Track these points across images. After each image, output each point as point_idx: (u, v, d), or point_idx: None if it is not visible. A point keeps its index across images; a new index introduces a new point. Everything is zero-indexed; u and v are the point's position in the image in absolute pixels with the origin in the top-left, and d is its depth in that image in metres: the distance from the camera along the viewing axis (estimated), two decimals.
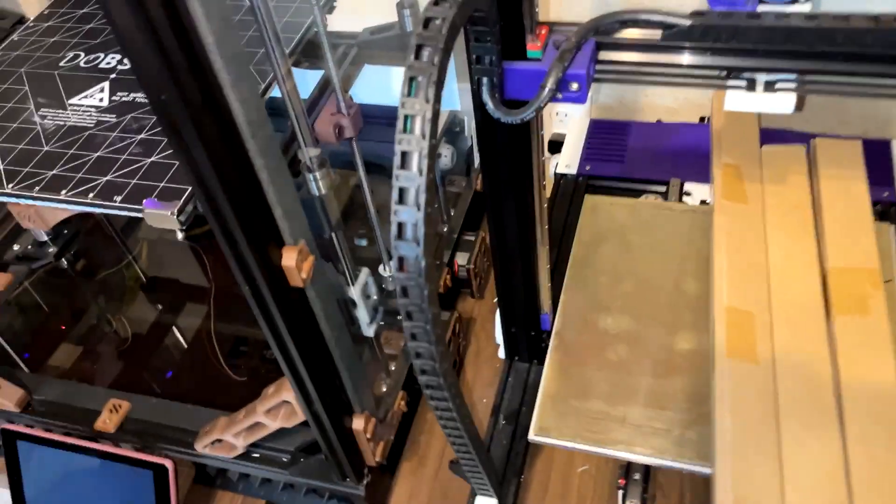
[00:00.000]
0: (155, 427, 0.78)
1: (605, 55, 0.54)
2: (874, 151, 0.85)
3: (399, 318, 0.86)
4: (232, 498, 0.83)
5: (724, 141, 0.85)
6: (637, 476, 0.72)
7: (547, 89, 0.51)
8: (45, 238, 0.98)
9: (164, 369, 0.89)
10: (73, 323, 0.94)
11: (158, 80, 0.39)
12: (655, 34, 0.52)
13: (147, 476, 0.74)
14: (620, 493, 0.73)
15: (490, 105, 0.53)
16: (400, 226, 0.39)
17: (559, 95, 0.52)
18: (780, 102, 0.51)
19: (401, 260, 0.40)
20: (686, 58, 0.51)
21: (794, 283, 0.70)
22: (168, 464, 0.73)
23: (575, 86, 0.52)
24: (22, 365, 0.90)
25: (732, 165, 0.82)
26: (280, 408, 0.66)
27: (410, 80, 0.38)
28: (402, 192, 0.39)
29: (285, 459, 0.74)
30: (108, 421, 0.78)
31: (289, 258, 0.51)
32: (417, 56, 0.39)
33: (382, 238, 0.79)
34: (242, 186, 0.46)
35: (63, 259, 0.99)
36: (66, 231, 0.98)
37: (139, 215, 0.61)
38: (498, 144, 0.60)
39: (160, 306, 0.95)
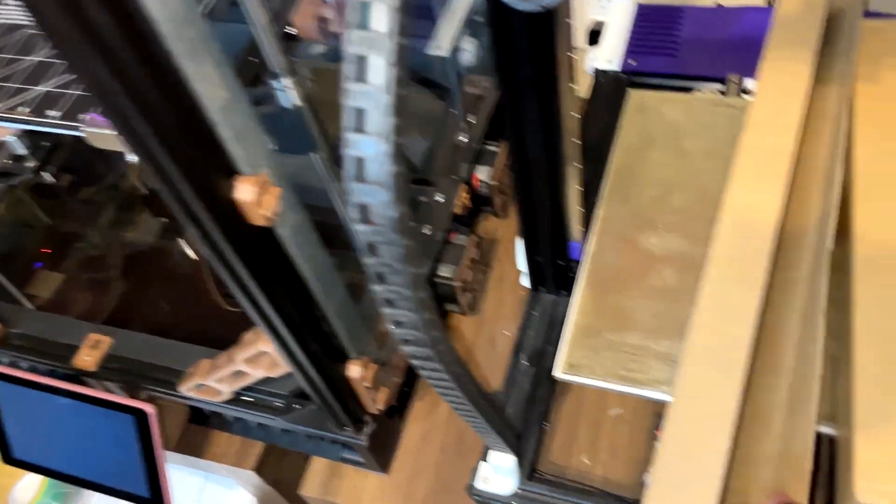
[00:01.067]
0: (139, 366, 0.70)
1: None
2: None
3: None
4: (229, 439, 0.76)
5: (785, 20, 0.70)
6: None
7: None
8: (24, 150, 0.88)
9: (154, 298, 0.81)
10: (57, 246, 0.86)
11: None
12: None
13: (128, 421, 0.67)
14: (657, 444, 0.64)
15: None
16: (358, 162, 0.28)
17: None
18: None
19: (362, 208, 0.29)
20: None
21: (884, 191, 0.57)
22: (149, 408, 0.66)
23: None
24: (12, 289, 0.83)
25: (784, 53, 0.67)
26: (262, 356, 0.57)
27: None
28: (358, 114, 0.28)
29: (279, 405, 0.66)
30: (87, 358, 0.70)
31: (244, 191, 0.41)
32: None
33: None
34: (165, 101, 0.35)
35: (44, 173, 0.90)
36: (45, 143, 0.89)
37: (79, 133, 0.50)
38: (514, 37, 0.47)
39: (150, 228, 0.87)
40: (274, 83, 0.46)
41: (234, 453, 0.75)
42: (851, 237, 0.56)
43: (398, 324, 0.35)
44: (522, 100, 0.52)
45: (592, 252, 0.67)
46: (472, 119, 0.80)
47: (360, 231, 0.30)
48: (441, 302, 0.77)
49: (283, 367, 0.57)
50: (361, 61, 0.27)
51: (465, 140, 0.79)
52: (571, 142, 0.56)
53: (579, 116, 0.56)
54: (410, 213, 0.30)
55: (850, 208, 0.57)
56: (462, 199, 0.75)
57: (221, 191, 0.40)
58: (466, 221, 0.80)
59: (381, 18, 0.26)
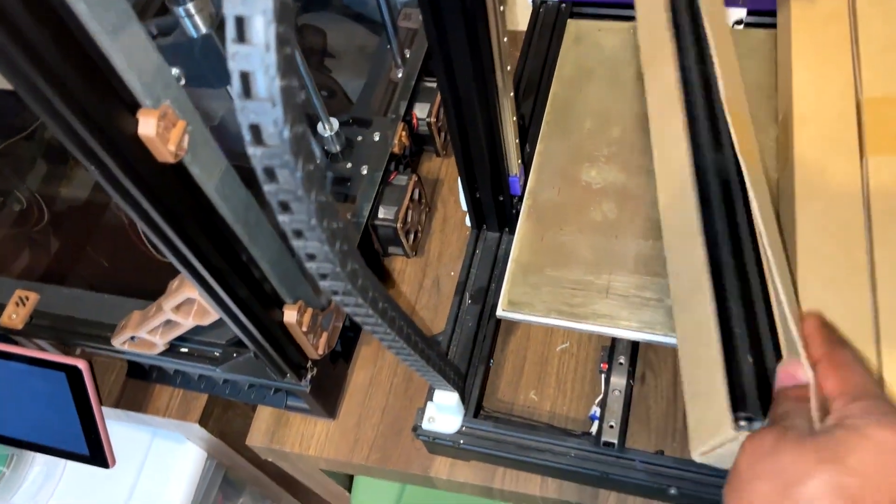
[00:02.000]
0: (70, 321, 0.68)
1: None
2: None
3: (348, 184, 0.73)
4: (171, 392, 0.74)
5: None
6: (622, 360, 0.62)
7: None
8: None
9: (87, 252, 0.77)
10: None
11: None
12: None
13: (61, 378, 0.64)
14: (603, 377, 0.64)
15: None
16: (244, 77, 0.26)
17: None
18: None
19: (254, 129, 0.27)
20: None
21: (821, 116, 0.56)
22: (81, 364, 0.63)
23: None
24: None
25: None
26: (191, 304, 0.55)
27: None
28: (238, 23, 0.25)
29: (216, 354, 0.64)
30: (14, 315, 0.67)
31: (145, 125, 0.38)
32: None
33: (314, 92, 0.65)
34: (43, 24, 0.32)
35: None
36: None
37: None
38: None
39: (79, 180, 0.83)
40: (178, 9, 0.43)
41: (177, 407, 0.74)
42: (792, 164, 0.55)
43: (310, 257, 0.33)
44: (448, 28, 0.49)
45: (532, 189, 0.66)
46: (408, 54, 0.77)
47: (254, 155, 0.28)
48: (384, 244, 0.75)
49: (213, 314, 0.55)
50: None
51: (402, 76, 0.76)
52: (505, 71, 0.54)
53: (519, 44, 0.54)
54: (308, 132, 0.28)
55: (790, 135, 0.56)
56: (400, 137, 0.73)
57: (120, 125, 0.37)
58: (407, 161, 0.78)
59: None
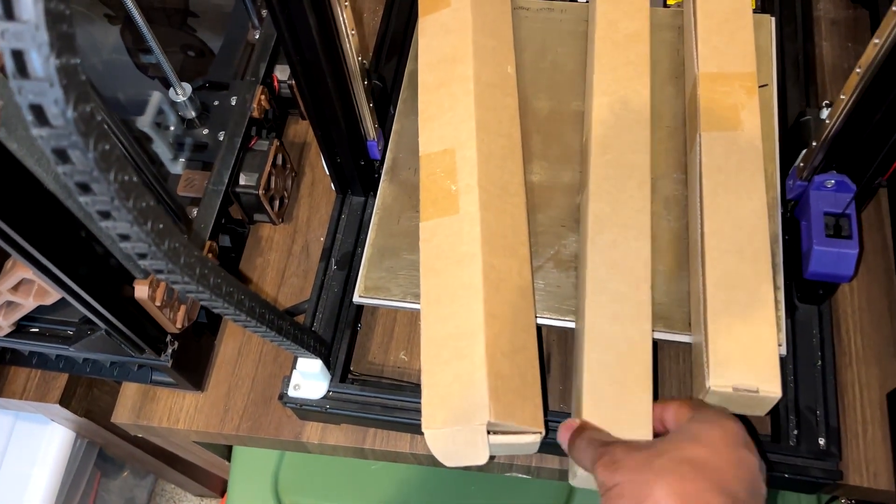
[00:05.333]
0: None
1: None
2: None
3: (206, 151, 0.71)
4: (28, 373, 0.71)
5: None
6: None
7: None
8: None
9: None
10: None
11: None
12: None
13: None
14: None
15: None
16: (16, 55, 0.25)
17: None
18: None
19: (35, 110, 0.26)
20: None
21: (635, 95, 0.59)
22: None
23: None
24: None
25: None
26: (30, 283, 0.53)
27: None
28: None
29: (70, 332, 0.62)
30: None
31: None
32: None
33: (162, 55, 0.62)
34: None
35: None
36: None
37: None
38: None
39: None
40: None
41: (35, 388, 0.71)
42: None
43: (123, 237, 0.32)
44: None
45: (389, 168, 0.66)
46: (264, 13, 0.75)
47: (40, 136, 0.26)
48: (248, 212, 0.73)
49: (54, 293, 0.53)
50: None
51: (259, 37, 0.74)
52: (350, 37, 0.53)
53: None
54: (98, 109, 0.27)
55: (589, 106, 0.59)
56: (260, 101, 0.71)
57: None
58: (270, 126, 0.76)
59: None
